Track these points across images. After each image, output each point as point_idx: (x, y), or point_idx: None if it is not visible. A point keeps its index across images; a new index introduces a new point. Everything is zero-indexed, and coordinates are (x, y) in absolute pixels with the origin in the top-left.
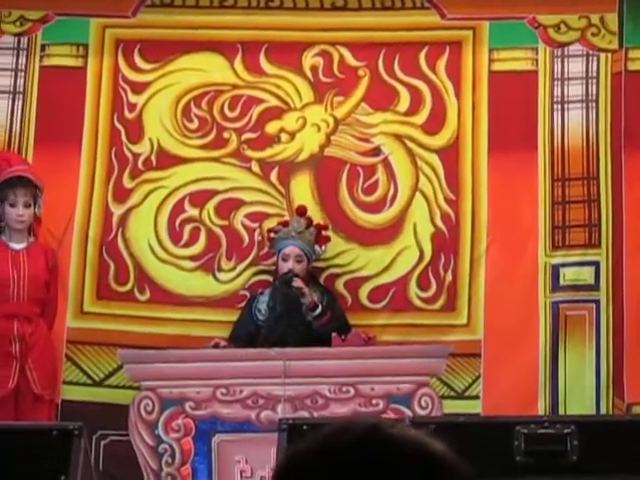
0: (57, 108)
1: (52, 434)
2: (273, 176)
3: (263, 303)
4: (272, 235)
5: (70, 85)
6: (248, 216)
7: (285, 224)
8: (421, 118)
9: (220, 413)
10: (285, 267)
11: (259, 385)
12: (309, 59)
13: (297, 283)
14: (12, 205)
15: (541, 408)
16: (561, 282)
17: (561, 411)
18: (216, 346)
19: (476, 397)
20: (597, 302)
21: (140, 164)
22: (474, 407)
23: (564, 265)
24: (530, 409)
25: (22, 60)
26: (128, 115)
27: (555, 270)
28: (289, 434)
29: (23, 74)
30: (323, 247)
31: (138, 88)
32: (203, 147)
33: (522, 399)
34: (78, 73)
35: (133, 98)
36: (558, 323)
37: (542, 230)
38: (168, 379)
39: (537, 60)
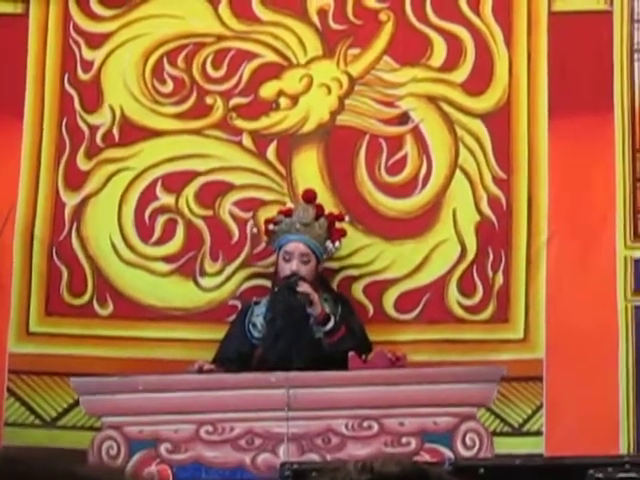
0: None
1: None
2: (270, 152)
3: (259, 315)
4: (271, 228)
5: (7, 38)
6: (238, 204)
7: (288, 213)
8: (461, 75)
9: (205, 457)
10: (287, 268)
11: (255, 420)
12: (316, 1)
13: (303, 288)
14: None
15: (623, 446)
16: None
17: None
18: (200, 371)
19: (537, 433)
20: None
21: (99, 139)
22: (535, 445)
23: None
24: (608, 448)
25: None
26: (82, 76)
27: (638, 266)
28: None
29: None
30: (337, 243)
31: (95, 41)
32: (179, 116)
33: (597, 435)
34: (17, 22)
35: (89, 54)
36: None
37: (620, 216)
38: (137, 414)
39: None
